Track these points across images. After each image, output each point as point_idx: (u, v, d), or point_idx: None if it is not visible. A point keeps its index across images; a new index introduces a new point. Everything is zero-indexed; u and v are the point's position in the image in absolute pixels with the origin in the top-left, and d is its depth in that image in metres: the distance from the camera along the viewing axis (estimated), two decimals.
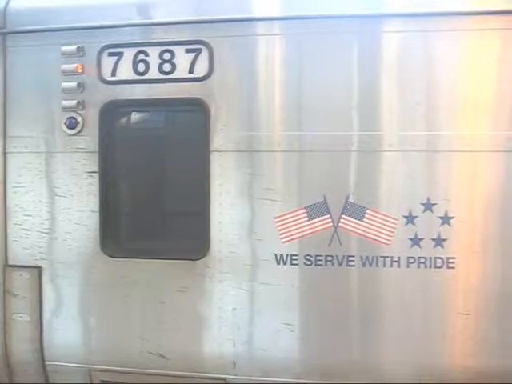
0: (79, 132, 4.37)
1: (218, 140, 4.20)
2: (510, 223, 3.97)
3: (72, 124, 4.35)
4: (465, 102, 3.98)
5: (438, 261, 4.02)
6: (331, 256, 4.12)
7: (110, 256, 4.35)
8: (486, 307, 4.02)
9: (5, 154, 4.49)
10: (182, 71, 4.22)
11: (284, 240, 4.17)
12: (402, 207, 4.03)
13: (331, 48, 4.09)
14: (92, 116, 4.33)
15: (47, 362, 4.52)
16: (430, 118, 4.03)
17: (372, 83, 4.07)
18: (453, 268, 4.01)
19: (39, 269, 4.48)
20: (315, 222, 4.14)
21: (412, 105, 4.01)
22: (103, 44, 4.30)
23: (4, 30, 4.44)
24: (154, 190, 4.45)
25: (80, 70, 4.34)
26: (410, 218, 4.03)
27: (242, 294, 4.23)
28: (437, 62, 4.01)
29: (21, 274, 4.50)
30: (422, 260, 4.03)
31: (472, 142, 3.98)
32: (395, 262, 4.06)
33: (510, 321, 3.99)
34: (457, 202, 4.00)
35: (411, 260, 4.04)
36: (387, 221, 4.06)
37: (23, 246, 4.51)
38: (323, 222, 4.13)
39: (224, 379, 4.31)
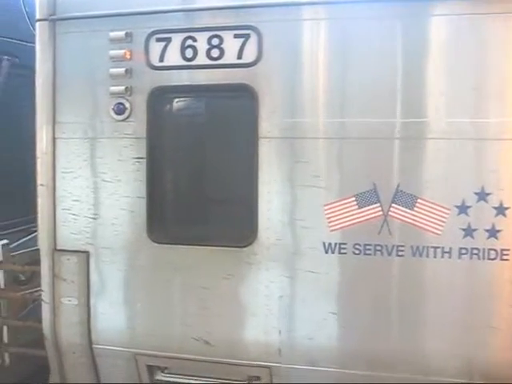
0: (127, 118, 4.37)
1: (266, 126, 4.15)
2: None
3: (120, 110, 4.36)
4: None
5: (492, 252, 3.91)
6: (380, 245, 4.05)
7: (157, 242, 4.36)
8: None
9: (54, 139, 4.53)
10: (230, 57, 4.17)
11: (332, 228, 4.11)
12: (455, 196, 3.93)
13: (376, 33, 3.99)
14: (140, 102, 4.33)
15: (94, 345, 4.58)
16: (480, 104, 3.90)
17: (419, 69, 3.96)
18: (507, 260, 3.89)
19: (87, 253, 4.52)
20: (365, 211, 4.07)
21: (461, 91, 3.89)
22: (151, 30, 4.27)
23: (54, 17, 4.45)
24: (201, 177, 4.45)
25: (128, 56, 4.33)
26: (463, 208, 3.92)
27: (289, 282, 4.20)
28: (486, 46, 3.87)
29: (68, 259, 4.55)
30: (475, 251, 3.93)
31: None
32: (446, 252, 3.96)
33: None
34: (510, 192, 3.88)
35: (463, 251, 3.94)
36: (439, 210, 3.97)
37: (71, 231, 4.55)
38: (373, 211, 4.05)
39: (268, 367, 4.29)
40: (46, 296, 4.61)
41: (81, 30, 4.43)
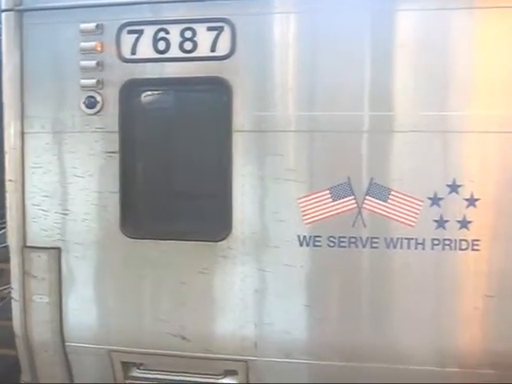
0: (98, 111, 4.29)
1: (239, 120, 4.14)
2: None
3: (91, 103, 4.28)
4: (481, 82, 3.93)
5: (463, 243, 3.99)
6: (355, 237, 4.09)
7: (130, 237, 4.31)
8: (509, 290, 4.00)
9: (22, 134, 4.42)
10: (203, 50, 4.14)
11: (307, 221, 4.13)
12: (427, 189, 3.99)
13: (345, 26, 4.01)
14: (111, 95, 4.26)
15: (67, 343, 4.50)
16: (447, 98, 3.97)
17: (387, 63, 3.99)
18: (478, 250, 3.98)
19: (58, 250, 4.44)
20: (339, 203, 4.10)
21: (428, 85, 3.95)
22: (123, 21, 4.21)
23: (21, 7, 4.34)
24: (174, 171, 4.40)
25: (99, 48, 4.25)
26: (436, 200, 3.99)
27: (264, 275, 4.20)
28: (452, 41, 3.94)
29: (39, 256, 4.46)
30: (447, 242, 4.00)
31: (496, 122, 3.92)
32: (420, 244, 4.03)
33: None
34: (482, 184, 3.96)
35: (436, 242, 4.01)
36: (412, 202, 4.02)
37: (41, 227, 4.46)
38: (347, 204, 4.09)
39: (245, 361, 4.30)
40: (16, 294, 4.51)
41: (49, 21, 4.32)
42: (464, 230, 3.98)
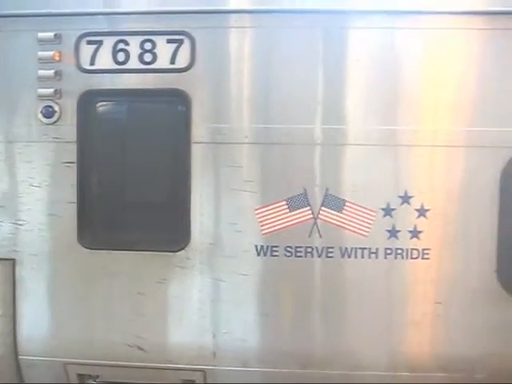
0: (56, 121, 4.27)
1: (198, 131, 4.20)
2: (474, 216, 4.13)
3: (48, 113, 4.25)
4: (427, 98, 4.12)
5: (414, 252, 4.16)
6: (311, 247, 4.20)
7: (87, 248, 4.29)
8: (457, 296, 4.18)
9: None
10: (163, 62, 4.19)
11: (264, 231, 4.21)
12: (380, 200, 4.14)
13: (298, 42, 4.13)
14: (70, 105, 4.25)
15: (21, 357, 4.42)
16: (396, 113, 4.14)
17: (338, 78, 4.15)
18: (428, 259, 4.15)
19: (12, 261, 4.37)
20: (296, 214, 4.20)
21: (378, 101, 4.12)
22: (81, 32, 4.21)
23: None
24: (133, 182, 4.39)
25: (57, 58, 4.24)
26: (388, 211, 4.14)
27: (222, 285, 4.26)
28: (399, 58, 4.11)
29: None
30: (399, 251, 4.16)
31: (442, 137, 4.12)
32: (373, 253, 4.17)
33: (476, 310, 4.17)
34: (431, 195, 4.14)
35: (388, 251, 4.16)
36: (366, 213, 4.17)
37: None
38: (304, 214, 4.20)
39: (203, 370, 4.33)
40: None
41: (6, 29, 4.27)
42: (415, 239, 4.15)
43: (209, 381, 4.33)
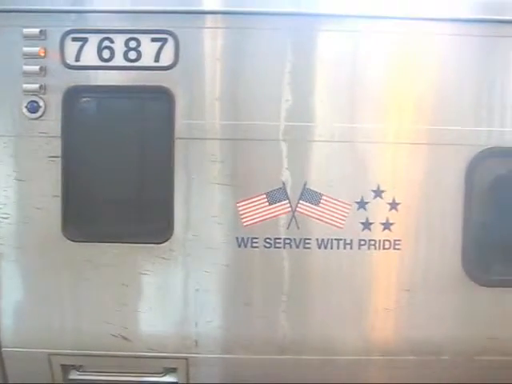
0: (41, 116, 4.32)
1: (181, 127, 4.33)
2: (441, 210, 4.42)
3: (33, 108, 4.30)
4: (390, 98, 4.38)
5: (386, 243, 4.41)
6: (289, 239, 4.40)
7: (72, 240, 4.37)
8: (425, 284, 4.46)
9: None
10: (147, 59, 4.31)
11: (245, 224, 4.39)
12: (355, 194, 4.38)
13: (266, 43, 4.31)
14: (54, 100, 4.30)
15: (4, 349, 4.46)
16: (362, 111, 4.37)
17: (306, 78, 4.35)
18: (399, 249, 4.42)
19: None
20: (275, 207, 4.40)
21: (343, 99, 4.35)
22: (67, 29, 4.29)
23: None
24: (117, 175, 4.48)
25: (42, 54, 4.28)
26: (362, 204, 4.38)
27: (205, 275, 4.41)
28: (361, 59, 4.35)
29: None
30: (372, 242, 4.41)
31: (407, 135, 4.38)
32: (348, 244, 4.40)
33: (443, 296, 4.47)
34: (402, 189, 4.40)
35: (362, 242, 4.40)
36: (341, 206, 4.40)
37: None
38: (282, 207, 4.40)
39: (185, 358, 4.48)
40: None
41: None
42: (387, 231, 4.40)
43: (191, 368, 4.49)
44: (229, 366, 4.50)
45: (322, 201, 4.39)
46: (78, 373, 4.56)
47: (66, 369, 4.53)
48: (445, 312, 4.47)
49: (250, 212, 4.40)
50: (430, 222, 4.43)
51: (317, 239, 4.40)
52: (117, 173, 4.49)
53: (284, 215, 4.39)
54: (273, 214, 4.40)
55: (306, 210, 4.40)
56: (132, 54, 4.31)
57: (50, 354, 4.45)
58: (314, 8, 4.34)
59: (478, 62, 4.37)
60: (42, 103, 4.32)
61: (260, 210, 4.40)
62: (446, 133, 4.36)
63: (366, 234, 4.40)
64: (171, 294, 4.43)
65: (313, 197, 4.39)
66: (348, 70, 4.35)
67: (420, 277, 4.44)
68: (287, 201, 4.39)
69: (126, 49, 4.30)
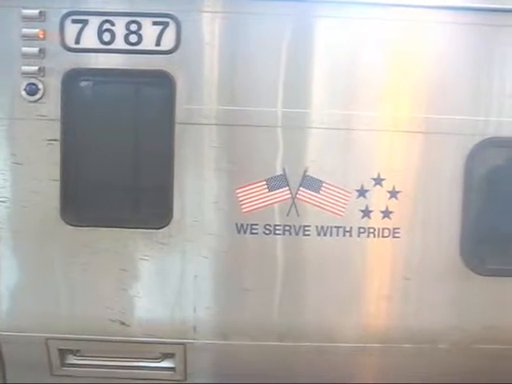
0: (40, 99, 4.27)
1: (182, 112, 4.30)
2: (440, 199, 4.43)
3: (32, 90, 4.25)
4: (391, 85, 4.37)
5: (386, 231, 4.42)
6: (289, 226, 4.39)
7: (71, 224, 4.34)
8: (423, 273, 4.48)
9: None
10: (148, 43, 4.26)
11: (245, 210, 4.38)
12: (355, 181, 4.37)
13: (265, 28, 4.28)
14: (53, 83, 4.25)
15: (1, 333, 4.44)
16: (369, 99, 4.35)
17: (303, 64, 4.33)
18: (398, 238, 4.42)
19: None
20: (275, 194, 4.39)
21: (339, 87, 4.33)
22: (67, 10, 4.23)
23: None
24: (116, 160, 4.44)
25: (42, 36, 4.23)
26: (362, 192, 4.38)
27: (204, 261, 4.40)
28: (353, 47, 4.32)
29: None
30: (372, 230, 4.41)
31: (408, 124, 4.37)
32: (347, 231, 4.40)
33: (441, 285, 4.48)
34: (402, 178, 4.40)
35: (362, 230, 4.40)
36: (341, 193, 4.40)
37: None
38: (282, 194, 4.39)
39: (183, 344, 4.48)
40: None
41: None
42: (386, 219, 4.40)
43: (189, 353, 4.49)
44: (227, 352, 4.51)
45: (322, 188, 4.39)
46: (75, 357, 4.55)
47: (63, 353, 4.52)
48: (442, 300, 4.49)
49: (249, 198, 4.39)
50: (429, 211, 4.44)
51: (316, 226, 4.39)
52: (116, 157, 4.45)
53: (284, 202, 4.38)
54: (273, 201, 4.39)
55: (306, 197, 4.39)
56: (133, 38, 4.26)
57: (47, 339, 4.44)
58: None
59: (477, 51, 4.36)
60: (40, 86, 4.27)
61: (260, 197, 4.39)
62: (446, 122, 4.36)
63: (365, 222, 4.40)
64: (170, 280, 4.42)
65: (313, 184, 4.38)
66: (347, 57, 4.33)
67: (418, 265, 4.45)
68: (287, 187, 4.38)
69: (126, 32, 4.26)
